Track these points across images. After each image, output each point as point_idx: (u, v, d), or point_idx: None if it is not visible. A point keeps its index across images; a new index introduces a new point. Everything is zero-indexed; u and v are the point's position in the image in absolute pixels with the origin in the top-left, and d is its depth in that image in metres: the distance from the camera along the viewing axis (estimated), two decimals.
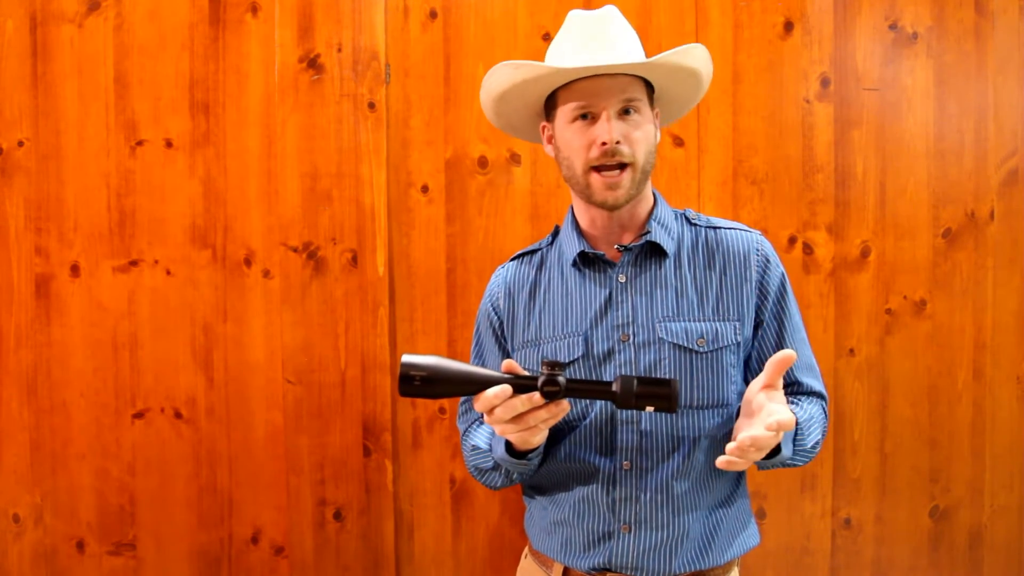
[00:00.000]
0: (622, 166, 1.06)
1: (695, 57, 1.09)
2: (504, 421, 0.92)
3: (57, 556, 1.69)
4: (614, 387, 0.91)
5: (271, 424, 1.67)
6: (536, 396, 0.91)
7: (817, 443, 1.08)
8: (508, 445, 1.04)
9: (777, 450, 0.98)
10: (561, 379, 0.91)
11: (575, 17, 1.12)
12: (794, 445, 1.04)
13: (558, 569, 1.13)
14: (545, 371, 0.91)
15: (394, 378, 1.66)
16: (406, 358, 0.91)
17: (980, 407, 1.68)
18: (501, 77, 1.12)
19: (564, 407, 0.93)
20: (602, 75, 1.06)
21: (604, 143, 1.04)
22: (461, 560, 1.68)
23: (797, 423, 1.05)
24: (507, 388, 0.90)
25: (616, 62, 1.04)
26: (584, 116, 1.07)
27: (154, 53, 1.66)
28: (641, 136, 1.07)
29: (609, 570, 1.08)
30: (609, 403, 1.07)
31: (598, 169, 1.06)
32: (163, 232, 1.67)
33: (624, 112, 1.06)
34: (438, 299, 1.67)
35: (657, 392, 0.90)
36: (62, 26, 1.67)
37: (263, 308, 1.66)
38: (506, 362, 0.94)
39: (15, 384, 1.68)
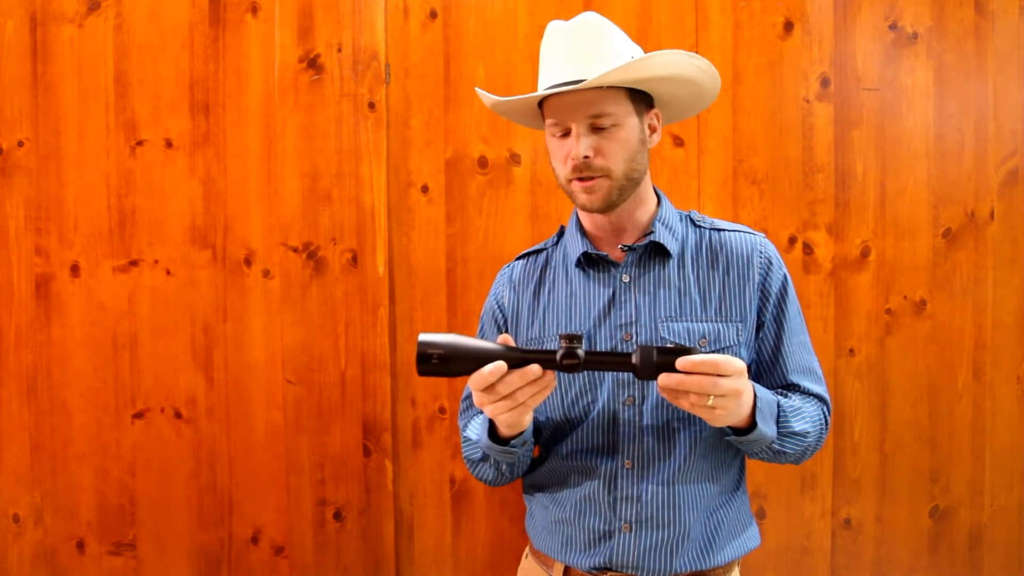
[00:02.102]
0: (596, 177, 1.06)
1: (646, 67, 1.05)
2: (497, 399, 0.92)
3: (57, 556, 1.69)
4: (634, 358, 0.90)
5: (271, 424, 1.67)
6: (530, 371, 0.91)
7: (808, 432, 1.07)
8: (491, 431, 1.05)
9: (752, 426, 0.98)
10: (580, 351, 0.90)
11: (552, 31, 1.12)
12: (777, 427, 1.03)
13: (559, 568, 1.13)
14: (564, 344, 0.90)
15: (394, 378, 1.66)
16: (423, 336, 0.91)
17: (980, 407, 1.68)
18: (483, 100, 1.19)
19: (551, 383, 0.93)
20: (571, 91, 1.06)
21: (574, 159, 1.06)
22: (461, 560, 1.68)
23: (779, 405, 1.05)
24: (503, 365, 0.90)
25: (559, 81, 1.06)
26: (561, 131, 1.09)
27: (154, 53, 1.66)
28: (617, 147, 1.06)
29: (610, 569, 1.08)
30: (611, 403, 1.08)
31: (577, 179, 1.08)
32: (163, 232, 1.67)
33: (600, 125, 1.06)
34: (438, 299, 1.67)
35: (677, 359, 0.89)
36: (62, 26, 1.67)
37: (263, 308, 1.66)
38: (503, 336, 0.95)
39: (15, 384, 1.68)
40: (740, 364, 0.91)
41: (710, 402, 0.89)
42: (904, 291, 1.66)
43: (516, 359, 0.91)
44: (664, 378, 0.89)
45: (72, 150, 1.67)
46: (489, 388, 0.92)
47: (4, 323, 1.68)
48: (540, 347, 1.14)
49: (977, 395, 1.68)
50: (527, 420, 1.01)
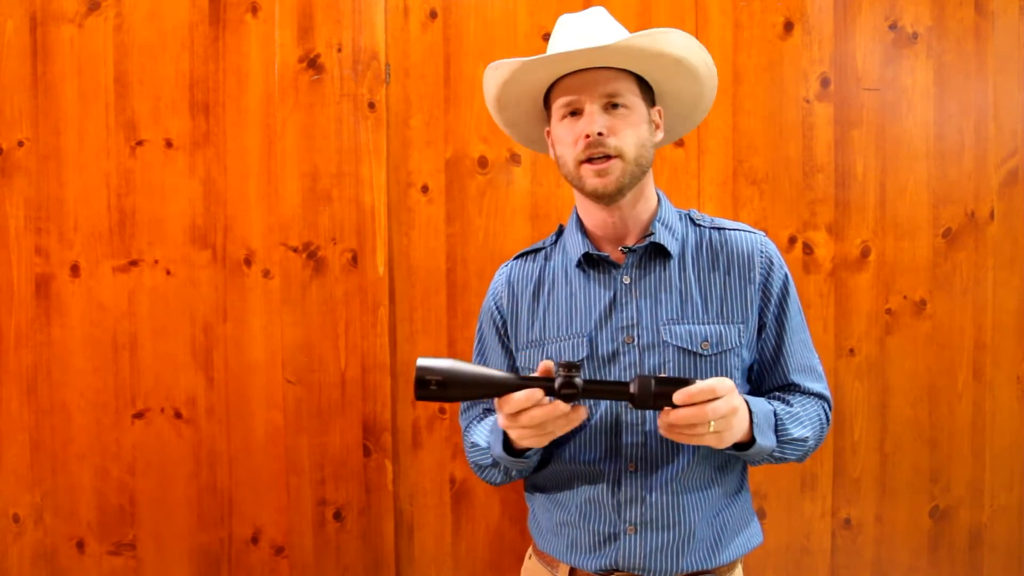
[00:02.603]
0: (610, 157, 1.06)
1: (666, 41, 1.05)
2: (526, 427, 0.93)
3: (57, 556, 1.69)
4: (632, 388, 0.91)
5: (271, 424, 1.67)
6: (560, 405, 0.91)
7: (807, 438, 1.07)
8: (506, 443, 1.05)
9: (751, 442, 0.99)
10: (578, 381, 0.90)
11: (563, 21, 1.13)
12: (776, 436, 1.04)
13: (564, 570, 1.13)
14: (562, 373, 0.90)
15: (394, 378, 1.66)
16: (421, 362, 0.90)
17: (980, 407, 1.68)
18: (488, 81, 1.16)
19: (583, 414, 0.94)
20: (585, 70, 1.07)
21: (588, 136, 1.05)
22: (461, 560, 1.68)
23: (776, 414, 1.06)
24: (538, 392, 0.91)
25: (579, 47, 1.04)
26: (572, 113, 1.08)
27: (154, 53, 1.66)
28: (630, 129, 1.06)
29: (616, 570, 1.08)
30: (614, 404, 1.08)
31: (587, 161, 1.07)
32: (163, 232, 1.67)
33: (612, 106, 1.06)
34: (438, 299, 1.67)
35: (674, 389, 0.90)
36: (62, 26, 1.67)
37: (263, 308, 1.66)
38: (543, 363, 0.95)
39: (15, 384, 1.68)
40: (730, 382, 0.93)
41: (711, 429, 0.91)
42: (904, 291, 1.66)
43: (516, 385, 0.91)
44: (663, 418, 0.91)
45: (72, 150, 1.67)
46: (516, 415, 0.92)
47: (4, 323, 1.68)
48: (541, 349, 1.14)
49: (977, 395, 1.68)
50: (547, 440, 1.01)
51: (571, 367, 0.90)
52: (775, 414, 1.06)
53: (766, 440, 1.01)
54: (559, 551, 1.14)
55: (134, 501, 1.68)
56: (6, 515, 1.70)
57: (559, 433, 0.95)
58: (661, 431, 0.92)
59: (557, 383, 0.90)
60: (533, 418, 0.91)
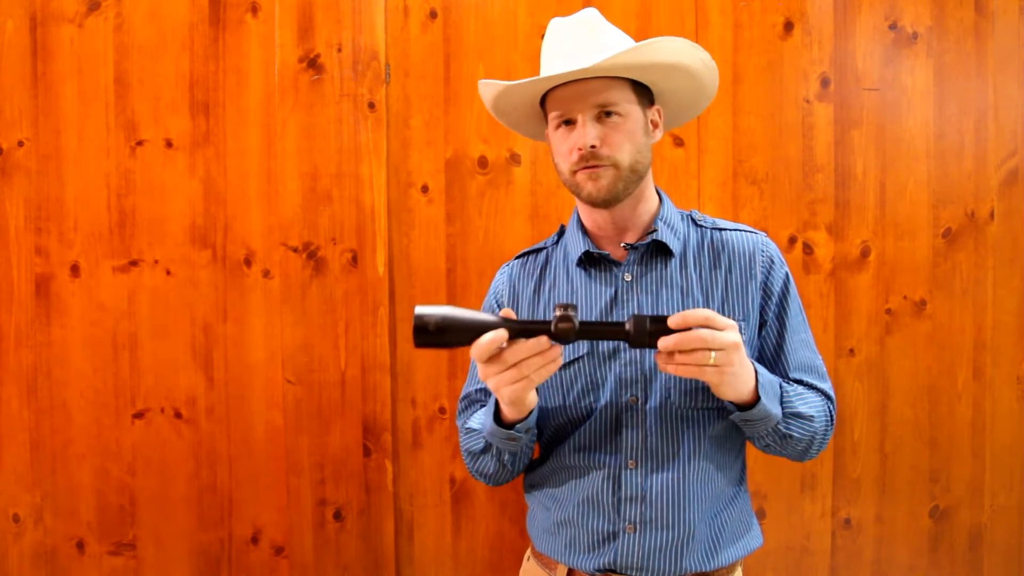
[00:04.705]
0: (603, 164, 1.06)
1: (652, 52, 1.04)
2: (503, 369, 0.92)
3: (57, 556, 1.69)
4: (627, 326, 0.91)
5: (271, 424, 1.67)
6: (535, 342, 0.91)
7: (813, 417, 1.05)
8: (496, 416, 1.05)
9: (756, 400, 0.98)
10: (575, 318, 0.91)
11: (555, 25, 1.13)
12: (782, 407, 1.03)
13: (562, 571, 1.13)
14: (558, 312, 0.90)
15: (394, 378, 1.66)
16: (419, 309, 0.91)
17: (980, 407, 1.68)
18: (483, 94, 1.18)
19: (557, 358, 0.93)
20: (577, 81, 1.06)
21: (581, 148, 1.05)
22: (461, 560, 1.68)
23: (781, 386, 1.05)
24: (504, 332, 0.90)
25: (567, 70, 1.04)
26: (566, 122, 1.08)
27: (154, 53, 1.66)
28: (623, 137, 1.06)
29: (615, 571, 1.07)
30: (614, 402, 1.08)
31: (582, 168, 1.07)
32: (163, 232, 1.67)
33: (604, 114, 1.06)
34: (438, 299, 1.67)
35: (670, 330, 0.90)
36: (62, 26, 1.67)
37: (263, 308, 1.66)
38: (505, 310, 0.94)
39: (15, 384, 1.68)
40: (732, 321, 0.92)
41: (712, 359, 0.89)
42: (904, 291, 1.67)
43: (513, 329, 0.91)
44: (663, 341, 0.89)
45: (72, 150, 1.67)
46: (494, 358, 0.91)
47: (4, 323, 1.68)
48: None
49: (977, 395, 1.68)
50: (531, 400, 1.01)
51: (567, 307, 0.91)
52: (780, 386, 1.05)
53: (771, 405, 1.00)
54: (557, 551, 1.13)
55: (134, 501, 1.68)
56: (6, 515, 1.70)
57: (537, 380, 0.93)
58: (659, 364, 0.91)
59: (553, 322, 0.91)
60: (516, 353, 0.90)
